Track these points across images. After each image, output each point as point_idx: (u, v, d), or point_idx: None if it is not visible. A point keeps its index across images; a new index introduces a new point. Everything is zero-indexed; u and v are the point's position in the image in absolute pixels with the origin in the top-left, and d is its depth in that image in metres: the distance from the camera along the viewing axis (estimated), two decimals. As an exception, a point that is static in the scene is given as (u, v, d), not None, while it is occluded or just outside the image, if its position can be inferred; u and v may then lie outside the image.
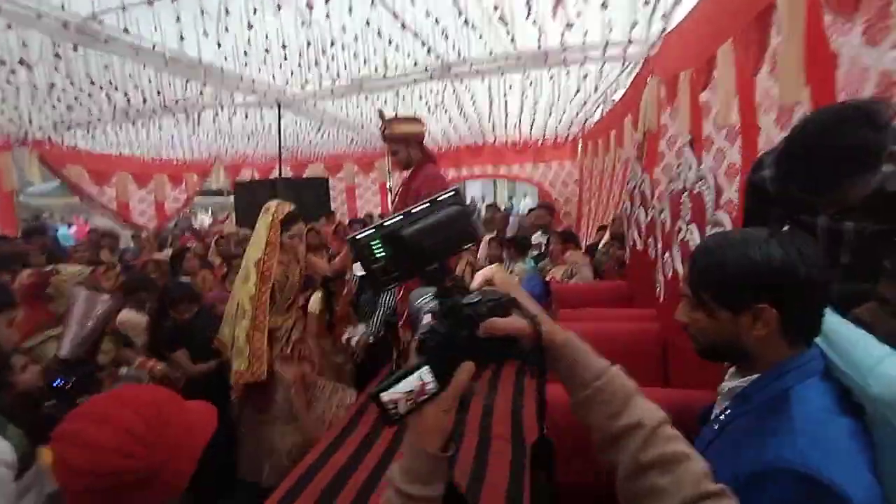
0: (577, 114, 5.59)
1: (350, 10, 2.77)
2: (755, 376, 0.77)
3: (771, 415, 0.72)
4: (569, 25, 2.97)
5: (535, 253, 3.94)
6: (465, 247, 0.52)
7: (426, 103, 4.87)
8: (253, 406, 2.48)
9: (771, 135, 1.97)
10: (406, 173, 2.57)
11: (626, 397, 0.51)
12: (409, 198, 2.43)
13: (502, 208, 8.42)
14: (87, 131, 5.32)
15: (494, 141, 7.24)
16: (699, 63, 2.62)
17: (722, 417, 0.81)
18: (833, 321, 0.78)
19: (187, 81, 3.90)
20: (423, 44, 3.59)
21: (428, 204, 0.51)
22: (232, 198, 8.51)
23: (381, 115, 2.56)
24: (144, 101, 3.88)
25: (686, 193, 1.91)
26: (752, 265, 0.73)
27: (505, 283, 0.55)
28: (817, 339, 0.77)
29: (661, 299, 2.31)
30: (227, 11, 2.60)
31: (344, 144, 7.35)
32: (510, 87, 4.49)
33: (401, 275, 0.50)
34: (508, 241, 3.96)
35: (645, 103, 3.40)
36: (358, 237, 0.49)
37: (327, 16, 2.80)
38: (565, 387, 0.54)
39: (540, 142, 7.26)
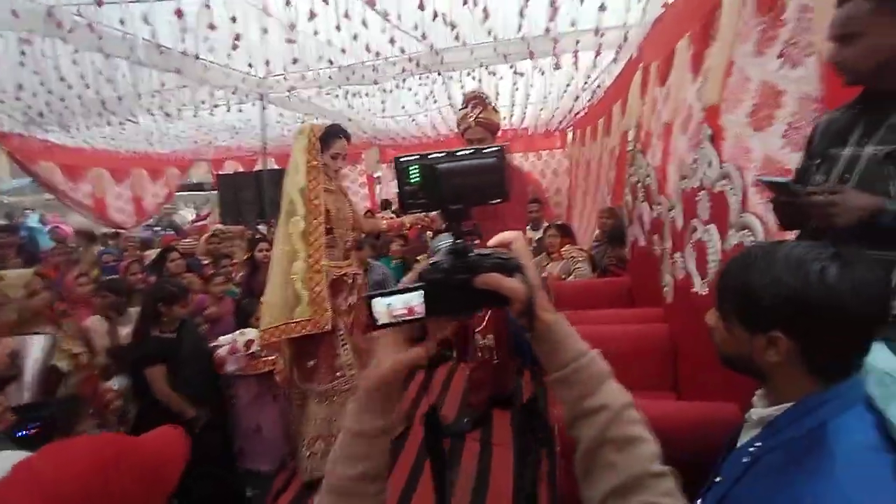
0: (569, 103, 5.52)
1: (338, 27, 2.63)
2: (786, 406, 0.71)
3: (806, 453, 0.66)
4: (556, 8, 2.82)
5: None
6: (493, 201, 0.54)
7: (415, 94, 4.74)
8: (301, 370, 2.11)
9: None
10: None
11: (599, 380, 0.54)
12: None
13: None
14: (60, 127, 5.08)
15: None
16: (664, 55, 2.55)
17: (752, 449, 0.74)
18: (881, 357, 0.73)
19: (163, 85, 3.70)
20: (411, 58, 3.52)
21: (472, 150, 0.53)
22: (214, 191, 8.30)
23: (477, 96, 2.25)
24: (120, 98, 3.68)
25: (704, 192, 1.80)
26: (776, 287, 0.66)
27: (521, 252, 0.55)
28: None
29: (671, 300, 2.25)
30: (211, 27, 2.47)
31: (330, 136, 7.18)
32: (501, 79, 4.39)
33: (428, 204, 0.54)
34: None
35: (632, 91, 3.35)
36: (402, 158, 0.53)
37: (315, 33, 2.66)
38: (543, 364, 0.56)
39: (530, 131, 7.18)
